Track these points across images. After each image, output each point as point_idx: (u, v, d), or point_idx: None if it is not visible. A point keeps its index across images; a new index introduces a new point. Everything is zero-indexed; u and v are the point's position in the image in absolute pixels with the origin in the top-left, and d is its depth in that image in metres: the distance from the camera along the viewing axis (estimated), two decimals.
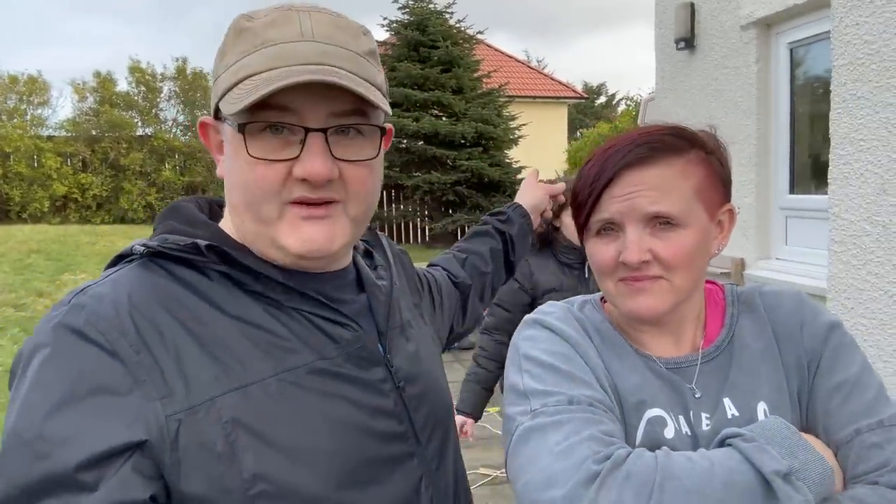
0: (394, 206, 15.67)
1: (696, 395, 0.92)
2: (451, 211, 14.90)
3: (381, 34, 15.81)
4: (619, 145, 0.94)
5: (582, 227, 0.97)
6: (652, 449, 0.82)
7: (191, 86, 19.36)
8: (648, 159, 0.91)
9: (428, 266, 1.43)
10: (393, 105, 14.28)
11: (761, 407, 0.91)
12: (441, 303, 1.32)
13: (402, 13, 15.39)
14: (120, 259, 0.90)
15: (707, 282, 1.03)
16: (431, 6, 15.45)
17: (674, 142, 0.93)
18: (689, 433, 0.90)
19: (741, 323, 0.98)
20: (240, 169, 0.87)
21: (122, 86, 19.11)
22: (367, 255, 1.12)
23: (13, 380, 0.79)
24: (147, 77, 18.98)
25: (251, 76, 0.85)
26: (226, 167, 0.92)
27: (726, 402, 0.91)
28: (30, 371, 0.76)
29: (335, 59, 0.87)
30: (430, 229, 15.34)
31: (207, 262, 0.87)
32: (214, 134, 0.95)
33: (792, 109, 4.11)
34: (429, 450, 0.96)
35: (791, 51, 4.08)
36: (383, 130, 0.94)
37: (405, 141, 14.55)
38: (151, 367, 0.78)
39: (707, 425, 0.90)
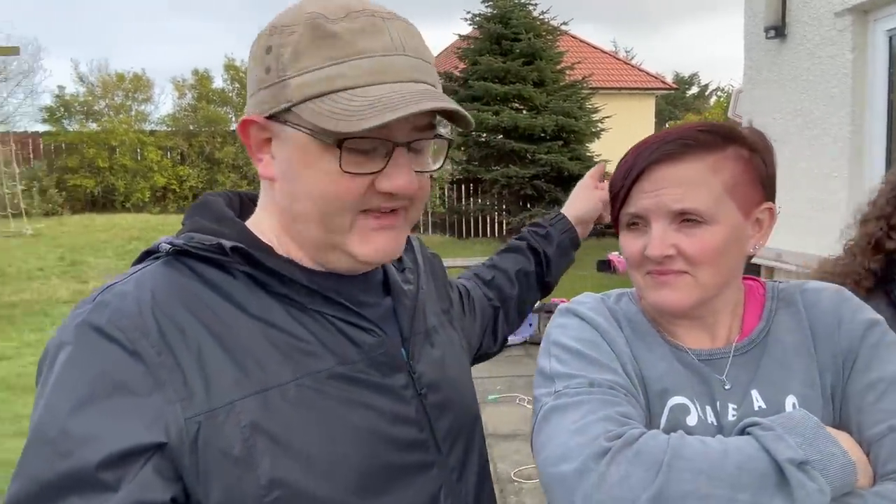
0: (472, 199, 15.70)
1: (726, 387, 0.93)
2: (529, 205, 14.76)
3: (464, 28, 15.83)
4: (651, 141, 0.96)
5: (615, 220, 1.00)
6: None
7: None
8: (677, 155, 0.92)
9: (458, 278, 1.40)
10: (473, 99, 14.30)
11: (790, 400, 0.91)
12: (473, 311, 1.30)
13: (486, 6, 15.35)
14: (147, 255, 0.91)
15: (748, 278, 1.04)
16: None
17: (707, 138, 0.93)
18: (715, 422, 0.91)
19: (778, 318, 0.98)
20: (317, 179, 0.85)
21: (218, 83, 20.08)
22: (396, 258, 1.08)
23: (39, 376, 0.81)
24: (241, 74, 19.81)
25: (349, 88, 0.82)
26: (289, 174, 0.88)
27: (754, 393, 0.92)
28: (55, 368, 0.78)
29: (425, 74, 0.87)
30: (507, 223, 15.27)
31: (232, 262, 0.87)
32: (258, 132, 0.91)
33: (889, 101, 3.82)
34: (450, 460, 0.95)
35: (890, 38, 3.79)
36: (450, 143, 0.95)
37: (484, 135, 14.54)
38: (173, 369, 0.78)
39: (733, 416, 0.91)
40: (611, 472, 0.78)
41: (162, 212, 16.83)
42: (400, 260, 1.10)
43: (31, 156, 17.43)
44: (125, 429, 0.74)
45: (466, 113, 0.88)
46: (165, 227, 12.54)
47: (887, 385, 0.88)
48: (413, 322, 1.02)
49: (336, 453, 0.85)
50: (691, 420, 0.91)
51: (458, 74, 15.28)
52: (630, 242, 0.97)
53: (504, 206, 15.39)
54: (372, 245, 0.89)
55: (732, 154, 0.93)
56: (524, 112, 14.51)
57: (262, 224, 0.95)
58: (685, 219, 0.91)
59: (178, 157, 18.60)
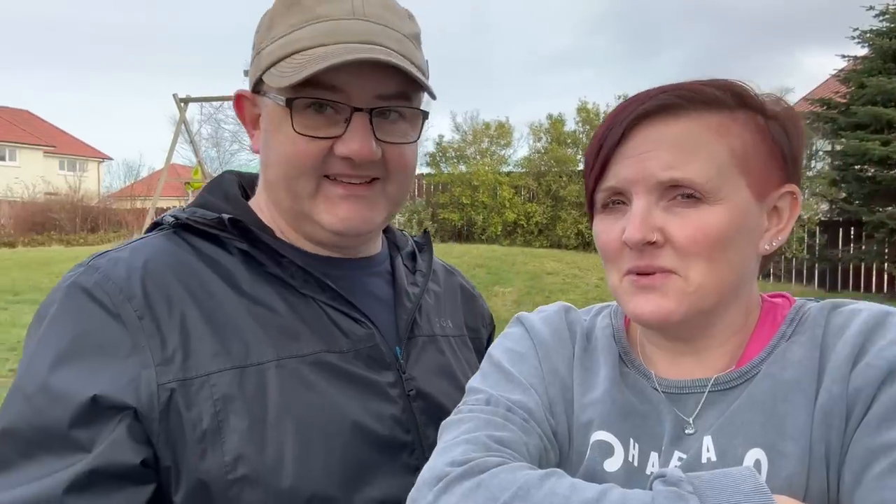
0: (851, 245, 13.19)
1: (687, 430, 0.76)
2: None
3: (853, 49, 13.60)
4: (637, 95, 0.76)
5: (589, 203, 0.80)
6: (593, 482, 0.69)
7: None
8: (672, 109, 0.73)
9: None
10: (857, 126, 12.19)
11: (753, 455, 0.72)
12: None
13: (881, 20, 12.97)
14: (155, 227, 0.94)
15: (778, 295, 0.83)
16: None
17: (714, 93, 0.74)
18: (652, 471, 0.74)
19: (787, 347, 0.76)
20: (280, 144, 0.87)
21: (570, 125, 21.04)
22: (412, 257, 1.07)
23: (30, 330, 0.85)
24: (591, 116, 20.51)
25: (301, 51, 0.84)
26: (263, 142, 0.91)
27: (706, 441, 0.74)
28: (42, 324, 0.81)
29: (384, 38, 0.86)
30: (895, 276, 12.40)
31: (231, 237, 0.88)
32: (251, 108, 0.95)
33: None
34: None
35: None
36: (426, 115, 0.92)
37: (871, 169, 12.19)
38: (152, 334, 0.78)
39: (676, 466, 0.74)
40: (438, 502, 0.69)
41: (511, 244, 18.13)
42: (414, 260, 1.07)
43: (416, 193, 20.66)
44: (98, 382, 0.75)
45: (416, 73, 0.83)
46: (507, 258, 13.44)
47: None
48: (413, 323, 0.97)
49: (309, 439, 0.80)
50: (611, 464, 0.78)
51: (838, 100, 13.19)
52: (605, 228, 0.78)
53: (891, 256, 12.55)
54: (335, 212, 0.88)
55: (744, 118, 0.75)
56: None
57: (261, 203, 0.96)
58: (679, 194, 0.72)
59: (528, 195, 20.01)
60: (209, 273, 0.86)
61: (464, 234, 19.78)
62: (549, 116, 21.02)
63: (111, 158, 41.14)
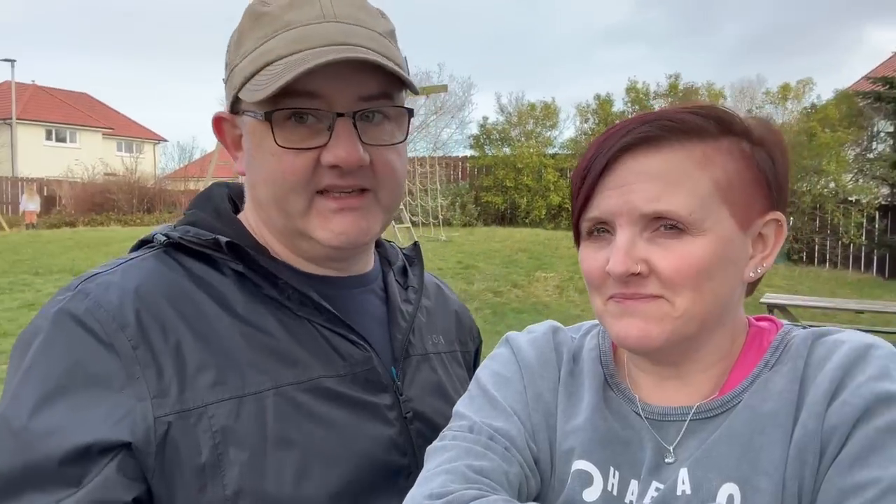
0: None
1: (667, 459, 0.77)
2: None
3: None
4: (624, 124, 0.77)
5: (574, 230, 0.81)
6: None
7: (681, 100, 19.54)
8: (654, 141, 0.74)
9: None
10: None
11: (727, 489, 0.71)
12: None
13: None
14: (143, 244, 0.90)
15: (765, 318, 0.83)
16: None
17: (696, 122, 0.75)
18: (630, 500, 0.75)
19: (769, 377, 0.76)
20: (265, 162, 0.84)
21: (619, 106, 20.56)
22: (403, 272, 1.06)
23: (12, 360, 0.80)
24: (641, 96, 19.99)
25: (273, 62, 0.82)
26: (247, 162, 0.89)
27: (682, 473, 0.74)
28: (28, 354, 0.77)
29: (359, 38, 0.83)
30: None
31: (226, 259, 0.86)
32: (231, 129, 0.92)
33: None
34: None
35: None
36: (410, 112, 0.90)
37: None
38: (148, 364, 0.76)
39: (653, 497, 0.75)
40: None
41: (555, 228, 17.95)
42: (406, 275, 1.05)
43: (459, 176, 20.61)
44: (92, 423, 0.73)
45: (395, 68, 0.81)
46: (550, 242, 13.33)
47: (880, 495, 0.63)
48: (407, 342, 0.96)
49: (309, 468, 0.80)
50: (590, 494, 0.78)
51: None
52: (589, 256, 0.78)
53: None
54: (330, 227, 0.86)
55: (728, 146, 0.75)
56: None
57: (250, 221, 0.94)
58: (661, 226, 0.73)
59: None
60: (203, 296, 0.83)
61: (507, 218, 19.66)
62: (597, 97, 20.60)
63: (166, 140, 42.32)
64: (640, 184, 0.73)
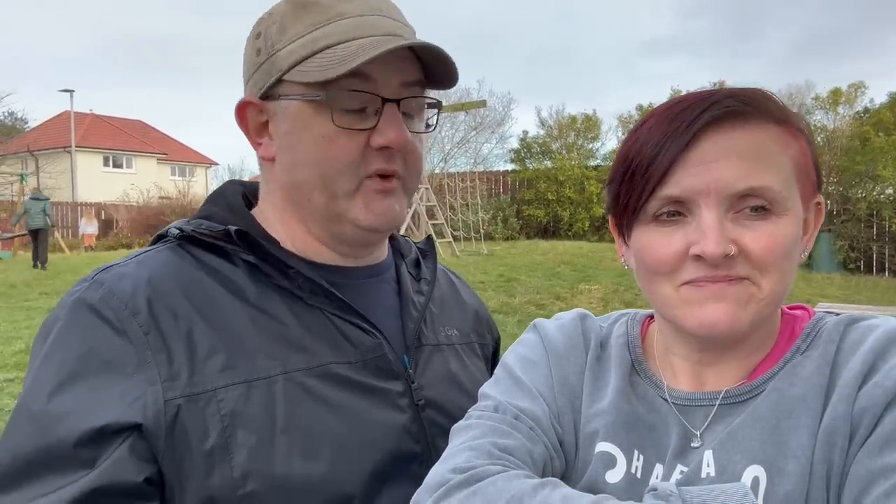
0: None
1: (693, 444, 0.76)
2: None
3: None
4: (693, 99, 0.73)
5: (631, 211, 0.75)
6: (593, 492, 0.70)
7: None
8: (739, 116, 0.71)
9: None
10: None
11: (752, 472, 0.71)
12: None
13: None
14: (159, 239, 0.94)
15: (798, 307, 0.83)
16: None
17: (767, 104, 0.73)
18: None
19: (799, 362, 0.75)
20: (314, 143, 0.86)
21: None
22: (416, 264, 1.07)
23: (34, 347, 0.84)
24: None
25: (331, 46, 0.84)
26: (286, 145, 0.89)
27: (707, 455, 0.74)
28: (47, 342, 0.81)
29: (404, 31, 0.89)
30: None
31: (236, 250, 0.87)
32: (255, 115, 0.92)
33: None
34: None
35: None
36: (439, 105, 0.94)
37: None
38: (159, 349, 0.78)
39: (677, 479, 0.74)
40: None
41: (599, 240, 17.76)
42: (419, 267, 1.06)
43: (501, 190, 20.62)
44: (105, 406, 0.75)
45: (447, 54, 0.84)
46: (594, 254, 13.19)
47: None
48: (419, 331, 0.97)
49: (318, 453, 0.81)
50: (613, 475, 0.78)
51: None
52: (660, 241, 0.74)
53: None
54: (372, 209, 0.88)
55: (788, 128, 0.74)
56: None
57: (266, 213, 0.96)
58: (750, 206, 0.71)
59: None
60: (215, 286, 0.85)
61: (550, 231, 19.53)
62: (640, 107, 20.37)
63: (217, 164, 43.58)
64: (727, 160, 0.70)
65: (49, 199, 16.06)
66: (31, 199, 15.38)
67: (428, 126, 0.94)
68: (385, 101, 0.85)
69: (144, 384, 0.76)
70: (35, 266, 13.88)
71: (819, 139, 17.91)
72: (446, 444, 0.85)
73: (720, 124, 0.71)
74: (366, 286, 0.95)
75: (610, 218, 0.82)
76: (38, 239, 14.41)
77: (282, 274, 0.88)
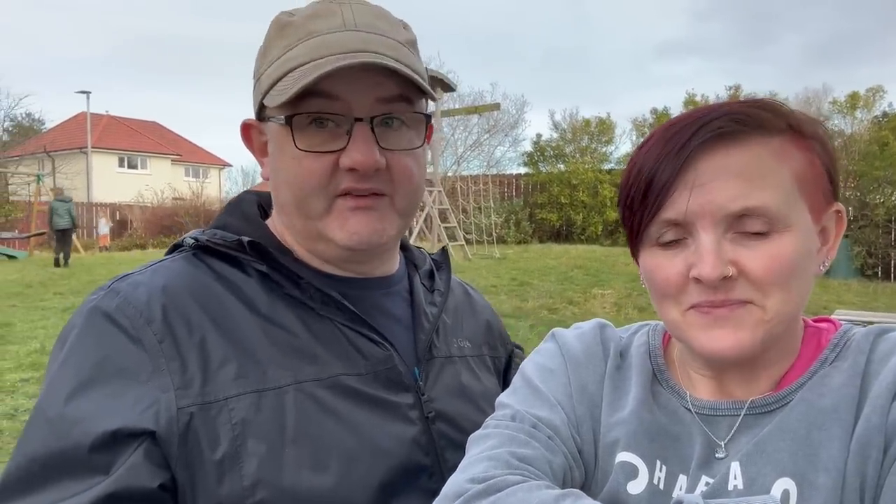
0: None
1: (718, 454, 0.74)
2: None
3: None
4: (686, 120, 0.73)
5: (635, 235, 0.76)
6: (613, 503, 0.73)
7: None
8: (731, 136, 0.71)
9: None
10: None
11: (782, 483, 0.69)
12: None
13: None
14: (175, 248, 0.95)
15: (824, 319, 0.82)
16: None
17: (764, 116, 0.72)
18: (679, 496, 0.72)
19: (827, 372, 0.74)
20: (287, 165, 0.88)
21: None
22: (430, 276, 1.06)
23: (52, 354, 0.85)
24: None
25: (295, 68, 0.85)
26: (272, 166, 0.92)
27: (734, 467, 0.72)
28: (64, 348, 0.82)
29: (378, 46, 0.86)
30: None
31: (251, 259, 0.89)
32: (258, 136, 0.95)
33: None
34: None
35: None
36: (428, 119, 0.92)
37: None
38: (173, 357, 0.79)
39: (702, 491, 0.73)
40: None
41: (612, 244, 17.68)
42: (433, 279, 1.06)
43: (513, 194, 20.61)
44: (119, 411, 0.76)
45: (410, 72, 0.83)
46: (607, 259, 13.13)
47: None
48: (431, 343, 0.96)
49: (327, 465, 0.81)
50: (635, 486, 0.77)
51: None
52: (662, 264, 0.74)
53: None
54: (346, 227, 0.88)
55: (793, 138, 0.73)
56: None
57: (277, 224, 0.97)
58: (745, 225, 0.70)
59: None
60: (228, 295, 0.86)
61: (562, 235, 19.48)
62: (654, 111, 20.30)
63: (230, 165, 43.91)
64: (721, 181, 0.70)
65: (72, 200, 16.97)
66: (57, 200, 16.28)
67: (420, 141, 0.92)
68: (356, 120, 0.85)
69: (158, 391, 0.77)
70: (57, 265, 14.50)
71: (836, 144, 17.72)
72: (456, 457, 0.85)
73: (713, 144, 0.70)
74: (376, 297, 0.95)
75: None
76: (63, 238, 15.27)
77: (293, 284, 0.88)
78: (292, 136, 0.85)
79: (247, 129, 0.96)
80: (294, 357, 0.84)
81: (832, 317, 0.84)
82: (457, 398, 0.95)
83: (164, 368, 0.78)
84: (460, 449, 0.85)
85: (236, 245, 0.89)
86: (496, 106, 16.57)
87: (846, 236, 14.49)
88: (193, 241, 0.91)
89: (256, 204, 1.00)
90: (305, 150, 0.85)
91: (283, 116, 0.85)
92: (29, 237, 19.23)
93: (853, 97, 17.82)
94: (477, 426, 0.91)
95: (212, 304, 0.85)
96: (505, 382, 1.08)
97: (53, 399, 0.78)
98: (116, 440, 0.74)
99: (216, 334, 0.82)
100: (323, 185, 0.86)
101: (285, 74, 0.85)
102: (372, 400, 0.86)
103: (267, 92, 0.87)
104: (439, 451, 0.89)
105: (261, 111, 0.91)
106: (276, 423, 0.80)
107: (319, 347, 0.86)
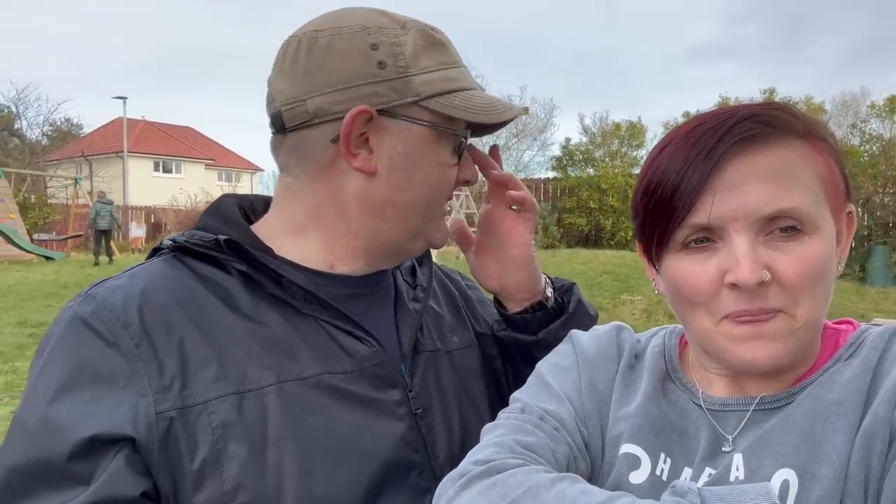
0: None
1: (725, 448, 0.74)
2: None
3: None
4: (711, 123, 0.72)
5: (658, 241, 0.74)
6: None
7: None
8: (761, 138, 0.70)
9: None
10: None
11: (783, 474, 0.69)
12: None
13: None
14: (155, 252, 0.94)
15: (844, 321, 0.81)
16: None
17: (789, 120, 0.72)
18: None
19: (839, 368, 0.74)
20: (433, 169, 0.93)
21: None
22: (412, 272, 1.07)
23: (33, 362, 0.84)
24: None
25: (465, 90, 0.93)
26: (402, 166, 0.90)
27: (737, 459, 0.73)
28: (43, 356, 0.82)
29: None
30: None
31: (231, 259, 0.87)
32: (362, 126, 0.87)
33: None
34: None
35: None
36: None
37: None
38: (150, 361, 0.78)
39: (704, 482, 0.74)
40: (459, 498, 0.71)
41: None
42: (415, 275, 1.07)
43: (541, 198, 20.53)
44: (96, 417, 0.75)
45: (513, 114, 1.00)
46: (637, 264, 12.93)
47: None
48: (416, 339, 0.96)
49: (311, 463, 0.80)
50: (637, 476, 0.79)
51: None
52: (692, 270, 0.72)
53: None
54: (445, 230, 0.99)
55: (812, 142, 0.73)
56: None
57: (269, 222, 0.96)
58: (779, 228, 0.69)
59: None
60: (208, 296, 0.85)
61: (591, 240, 19.33)
62: (686, 114, 20.03)
63: (262, 170, 44.40)
64: (754, 184, 0.69)
65: (113, 202, 18.53)
66: (100, 202, 17.59)
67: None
68: (465, 140, 0.97)
69: (136, 396, 0.76)
70: (96, 264, 15.80)
71: (875, 148, 17.27)
72: (447, 451, 0.90)
73: (743, 147, 0.70)
74: (361, 294, 0.95)
75: (637, 244, 0.81)
76: (105, 238, 16.95)
77: (274, 282, 0.87)
78: (459, 147, 0.95)
79: (357, 117, 0.86)
80: (277, 356, 0.83)
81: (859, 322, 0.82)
82: (445, 393, 0.95)
83: (142, 373, 0.77)
84: (451, 444, 0.87)
85: (213, 244, 0.87)
86: (525, 110, 16.58)
87: (884, 243, 14.10)
88: (171, 242, 0.90)
89: (237, 206, 0.99)
90: (450, 164, 0.94)
91: (459, 129, 0.93)
92: (66, 239, 19.75)
93: (892, 101, 17.37)
94: (467, 420, 0.94)
95: (192, 305, 0.83)
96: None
97: (32, 408, 0.77)
98: (94, 447, 0.73)
99: (196, 335, 0.81)
100: (448, 191, 0.97)
101: (455, 91, 0.91)
102: (358, 398, 0.85)
103: (432, 96, 0.89)
104: (429, 446, 0.88)
105: (399, 107, 0.88)
106: (258, 425, 0.78)
107: (303, 346, 0.84)
